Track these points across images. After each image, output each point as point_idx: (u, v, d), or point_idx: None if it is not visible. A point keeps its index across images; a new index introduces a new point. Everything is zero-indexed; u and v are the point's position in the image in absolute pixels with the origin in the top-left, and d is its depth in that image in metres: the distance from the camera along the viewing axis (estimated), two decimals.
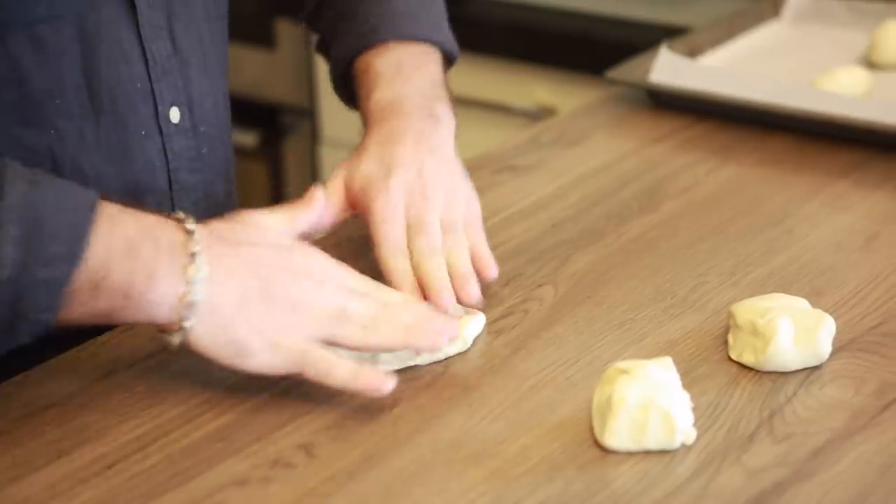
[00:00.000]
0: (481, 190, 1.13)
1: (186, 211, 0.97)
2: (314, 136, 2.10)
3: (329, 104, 2.05)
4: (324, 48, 1.11)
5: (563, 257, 1.01)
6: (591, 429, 0.81)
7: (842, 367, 0.87)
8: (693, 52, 1.37)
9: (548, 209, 1.10)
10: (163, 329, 0.82)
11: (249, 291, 0.82)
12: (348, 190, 0.96)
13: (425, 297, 0.90)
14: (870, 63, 1.36)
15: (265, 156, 2.15)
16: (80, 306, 0.79)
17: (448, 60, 1.08)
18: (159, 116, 0.96)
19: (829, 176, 1.15)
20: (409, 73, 1.02)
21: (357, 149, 0.98)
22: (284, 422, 0.83)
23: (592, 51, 1.72)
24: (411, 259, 0.92)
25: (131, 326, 0.92)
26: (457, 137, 1.01)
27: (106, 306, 0.80)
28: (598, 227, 1.06)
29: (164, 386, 0.86)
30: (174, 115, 0.97)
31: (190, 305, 0.80)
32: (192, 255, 0.81)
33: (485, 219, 1.08)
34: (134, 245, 0.80)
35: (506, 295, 0.96)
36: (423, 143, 0.97)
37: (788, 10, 1.49)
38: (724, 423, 0.81)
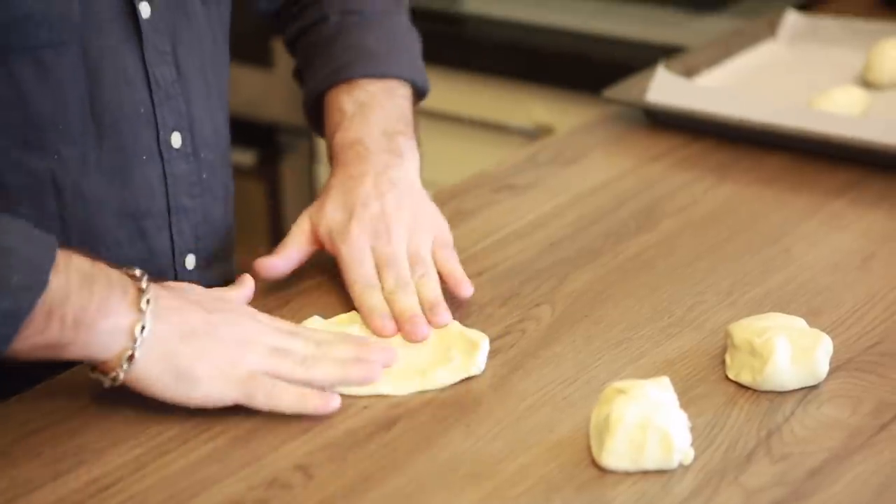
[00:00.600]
0: (479, 209, 1.13)
1: (184, 235, 0.97)
2: (312, 155, 2.10)
3: None
4: (298, 76, 1.14)
5: (561, 276, 1.02)
6: (589, 448, 0.81)
7: (839, 387, 0.86)
8: (690, 72, 1.37)
9: (545, 228, 1.10)
10: (102, 368, 0.83)
11: (195, 326, 0.84)
12: (315, 235, 0.99)
13: (401, 331, 0.93)
14: (866, 82, 1.37)
15: (263, 175, 2.15)
16: (28, 337, 0.80)
17: (419, 94, 1.10)
18: (160, 141, 0.96)
19: (825, 195, 1.15)
20: (371, 110, 1.04)
21: (321, 192, 1.01)
22: (281, 442, 0.83)
23: (590, 70, 1.72)
24: (384, 294, 0.95)
25: None
26: (422, 169, 1.04)
27: (53, 338, 0.80)
28: (596, 246, 1.06)
29: (161, 407, 0.86)
30: (175, 139, 0.97)
31: (140, 335, 0.82)
32: (141, 290, 0.83)
33: (482, 238, 1.08)
34: (88, 278, 0.81)
35: (503, 314, 0.96)
36: (384, 179, 1.00)
37: (784, 30, 1.49)
38: (721, 442, 0.81)
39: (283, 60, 2.09)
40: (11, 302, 0.78)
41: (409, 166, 1.02)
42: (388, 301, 0.94)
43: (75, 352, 0.82)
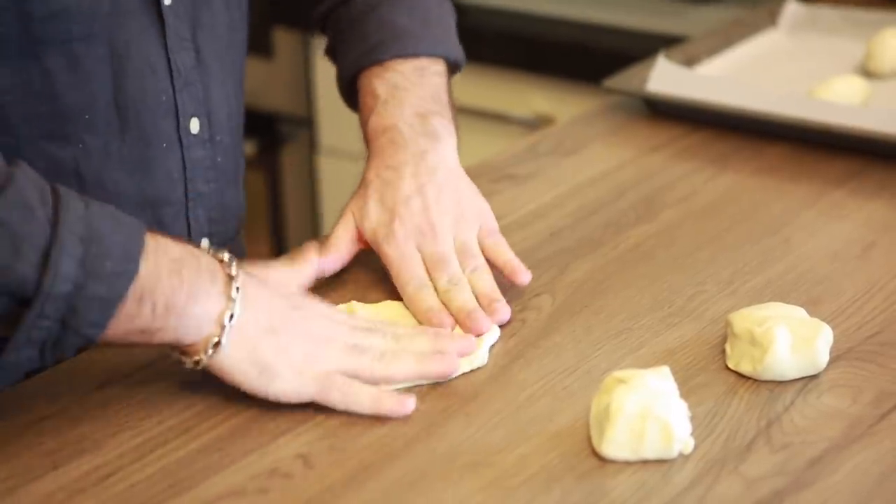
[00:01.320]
0: None
1: (199, 220, 0.97)
2: (312, 145, 2.10)
3: (327, 113, 2.05)
4: (331, 54, 1.12)
5: (561, 266, 1.02)
6: (589, 438, 0.81)
7: (839, 377, 0.86)
8: (690, 61, 1.37)
9: (546, 218, 1.10)
10: (187, 351, 0.82)
11: (280, 319, 0.84)
12: (360, 231, 0.98)
13: (462, 328, 0.92)
14: (866, 72, 1.36)
15: (263, 165, 2.15)
16: (121, 323, 0.80)
17: (453, 68, 1.09)
18: (180, 128, 0.96)
19: (826, 185, 1.15)
20: (405, 93, 1.03)
21: (360, 183, 1.00)
22: (281, 432, 0.83)
23: (590, 60, 1.72)
24: (438, 294, 0.94)
25: None
26: (459, 145, 1.02)
27: (145, 323, 0.80)
28: (596, 236, 1.06)
29: (161, 396, 0.86)
30: (194, 125, 0.97)
31: (228, 323, 0.81)
32: (231, 277, 0.82)
33: None
34: (178, 263, 0.81)
35: None
36: (422, 168, 0.98)
37: (785, 20, 1.49)
38: (721, 432, 0.81)
39: (284, 51, 2.09)
40: (105, 289, 0.78)
41: (446, 148, 1.00)
42: (444, 301, 0.93)
43: (164, 337, 0.81)
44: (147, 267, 0.79)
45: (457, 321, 0.92)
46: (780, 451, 0.80)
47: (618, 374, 0.81)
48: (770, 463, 0.79)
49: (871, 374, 0.87)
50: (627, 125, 1.29)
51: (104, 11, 0.90)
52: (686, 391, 0.83)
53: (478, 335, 0.91)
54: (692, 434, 0.80)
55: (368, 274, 0.99)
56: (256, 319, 0.83)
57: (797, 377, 0.86)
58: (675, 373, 0.82)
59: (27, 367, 0.81)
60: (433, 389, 0.87)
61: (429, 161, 0.99)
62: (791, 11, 1.49)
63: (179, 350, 0.83)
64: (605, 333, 0.92)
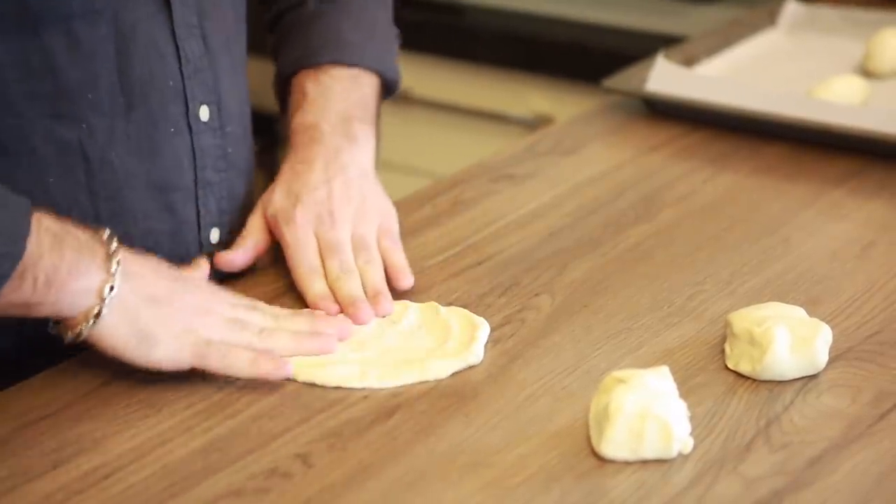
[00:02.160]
0: (478, 199, 1.13)
1: (210, 209, 0.98)
2: None
3: None
4: (274, 54, 1.14)
5: (560, 266, 1.02)
6: (589, 438, 0.81)
7: (838, 376, 0.86)
8: (689, 61, 1.37)
9: (545, 218, 1.10)
10: (66, 324, 0.85)
11: (159, 291, 0.86)
12: (265, 217, 1.00)
13: (346, 315, 0.94)
14: (865, 72, 1.37)
15: (262, 165, 2.14)
16: (2, 297, 0.82)
17: (388, 89, 1.11)
18: (189, 114, 0.97)
19: (825, 185, 1.15)
20: (333, 95, 1.05)
21: (276, 176, 1.02)
22: (281, 432, 0.83)
23: (589, 60, 1.72)
24: (327, 280, 0.96)
25: None
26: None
27: (26, 297, 0.83)
28: (595, 235, 1.06)
29: (161, 396, 0.86)
30: (204, 113, 0.98)
31: (108, 294, 0.84)
32: (110, 252, 0.85)
33: (481, 228, 1.08)
34: (59, 239, 0.83)
35: (503, 304, 0.96)
36: (334, 164, 1.01)
37: (784, 19, 1.49)
38: (721, 431, 0.81)
39: None
40: None
41: (361, 151, 1.03)
42: (332, 287, 0.95)
43: (44, 311, 0.84)
44: (30, 244, 0.81)
45: (341, 308, 0.94)
46: (779, 450, 0.80)
47: (617, 373, 0.81)
48: (769, 463, 0.79)
49: (871, 373, 0.87)
50: (626, 125, 1.29)
51: None
52: (685, 391, 0.83)
53: (358, 324, 0.92)
54: (691, 434, 0.80)
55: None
56: (137, 290, 0.85)
57: (796, 377, 0.86)
58: (674, 373, 0.82)
59: None
60: (433, 389, 0.87)
61: (342, 159, 1.01)
62: (790, 11, 1.49)
63: (60, 324, 0.85)
64: (604, 333, 0.93)
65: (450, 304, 0.95)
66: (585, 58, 1.73)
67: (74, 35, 0.90)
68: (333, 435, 0.82)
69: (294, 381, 0.87)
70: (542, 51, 1.78)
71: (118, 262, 0.85)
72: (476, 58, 1.82)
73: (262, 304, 0.92)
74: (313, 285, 0.95)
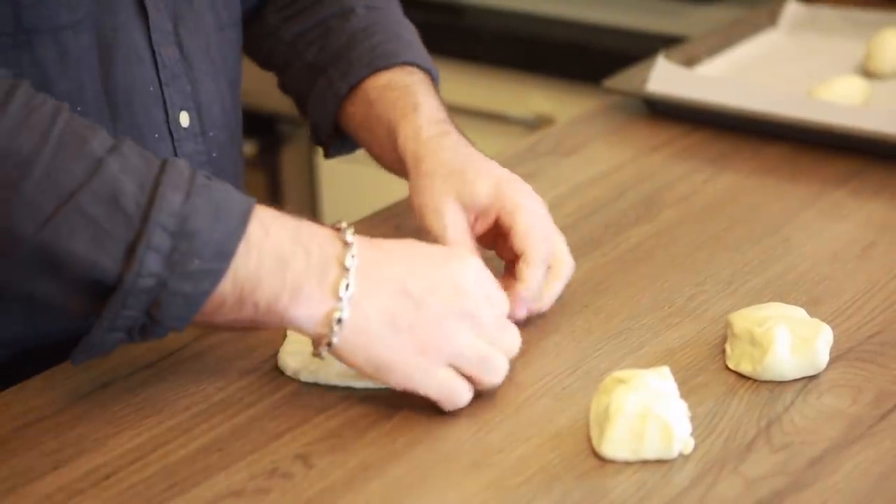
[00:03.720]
0: None
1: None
2: (312, 146, 2.10)
3: None
4: (308, 74, 1.10)
5: None
6: (589, 438, 0.81)
7: (839, 377, 0.86)
8: (690, 62, 1.37)
9: None
10: (312, 339, 0.82)
11: (395, 316, 0.81)
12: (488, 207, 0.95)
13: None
14: (866, 72, 1.36)
15: (263, 165, 2.15)
16: (221, 315, 0.80)
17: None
18: (170, 120, 0.96)
19: (826, 185, 1.15)
20: (434, 94, 1.04)
21: (435, 163, 0.97)
22: (281, 432, 0.83)
23: (590, 60, 1.72)
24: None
25: None
26: None
27: (249, 317, 0.80)
28: (596, 236, 1.06)
29: (161, 396, 0.86)
30: (184, 119, 0.97)
31: (337, 322, 0.80)
32: (346, 269, 0.80)
33: None
34: (284, 259, 0.79)
35: None
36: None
37: (785, 20, 1.49)
38: (721, 432, 0.81)
39: None
40: (190, 286, 0.77)
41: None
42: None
43: (274, 327, 0.81)
44: (248, 266, 0.78)
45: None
46: (780, 451, 0.80)
47: (618, 374, 0.81)
48: (770, 463, 0.79)
49: (871, 374, 0.87)
50: (627, 125, 1.29)
51: None
52: (686, 391, 0.83)
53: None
54: (692, 434, 0.80)
55: None
56: (370, 316, 0.80)
57: (797, 377, 0.86)
58: (675, 373, 0.82)
59: (115, 346, 0.81)
60: None
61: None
62: (791, 11, 1.49)
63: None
64: (604, 333, 0.92)
65: None
66: (586, 58, 1.73)
67: (62, 45, 0.89)
68: (334, 435, 0.82)
69: (295, 381, 0.87)
70: (543, 51, 1.78)
71: (348, 285, 0.79)
72: (476, 58, 1.82)
73: (504, 321, 0.85)
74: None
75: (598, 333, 0.93)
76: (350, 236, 0.81)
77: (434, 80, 1.08)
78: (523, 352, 0.90)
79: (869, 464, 0.78)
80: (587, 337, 0.92)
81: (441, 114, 1.02)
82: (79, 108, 0.91)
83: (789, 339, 0.86)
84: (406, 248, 0.84)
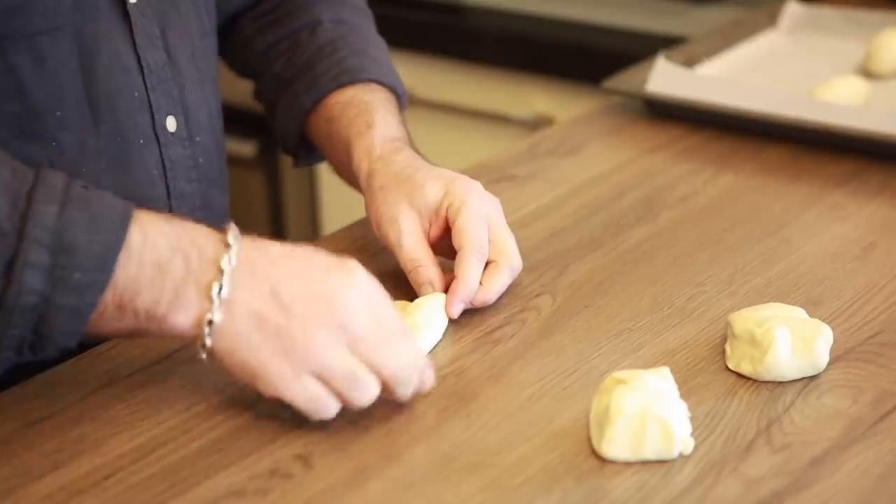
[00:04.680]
0: None
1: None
2: None
3: None
4: (277, 86, 1.11)
5: (561, 267, 1.02)
6: (589, 439, 0.81)
7: (839, 377, 0.86)
8: (690, 62, 1.37)
9: (545, 218, 1.10)
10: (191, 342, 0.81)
11: (263, 320, 0.79)
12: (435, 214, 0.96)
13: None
14: (866, 72, 1.37)
15: (263, 165, 2.15)
16: (103, 325, 0.79)
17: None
18: (156, 126, 0.96)
19: (826, 185, 1.15)
20: (393, 115, 1.04)
21: (387, 177, 0.98)
22: (282, 432, 0.83)
23: (590, 60, 1.72)
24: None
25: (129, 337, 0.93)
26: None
27: (130, 325, 0.80)
28: (596, 236, 1.06)
29: (161, 397, 0.86)
30: (171, 124, 0.97)
31: (208, 324, 0.79)
32: (221, 271, 0.79)
33: None
34: (163, 266, 0.79)
35: (504, 304, 0.96)
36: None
37: (785, 20, 1.49)
38: (721, 432, 0.81)
39: None
40: (74, 300, 0.76)
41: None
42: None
43: (154, 335, 0.80)
44: (128, 274, 0.78)
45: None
46: (780, 451, 0.80)
47: (618, 374, 0.81)
48: (770, 463, 0.79)
49: (872, 374, 0.87)
50: (627, 126, 1.29)
51: (68, 5, 0.89)
52: (686, 391, 0.83)
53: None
54: (692, 434, 0.80)
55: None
56: (241, 320, 0.79)
57: (797, 378, 0.86)
58: (674, 373, 0.82)
59: (8, 365, 0.81)
60: (433, 390, 0.86)
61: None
62: (791, 12, 1.49)
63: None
64: (605, 334, 0.93)
65: None
66: (586, 58, 1.73)
67: (39, 52, 0.89)
68: (334, 436, 0.82)
69: None
70: (543, 51, 1.78)
71: (222, 287, 0.78)
72: (476, 58, 1.82)
73: (384, 337, 0.81)
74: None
75: (598, 334, 0.93)
76: (232, 239, 0.80)
77: (399, 98, 1.09)
78: (523, 352, 0.90)
79: (869, 464, 0.78)
80: (587, 337, 0.92)
81: (397, 132, 1.03)
82: (58, 114, 0.90)
83: (789, 340, 0.86)
84: (293, 255, 0.82)
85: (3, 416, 0.85)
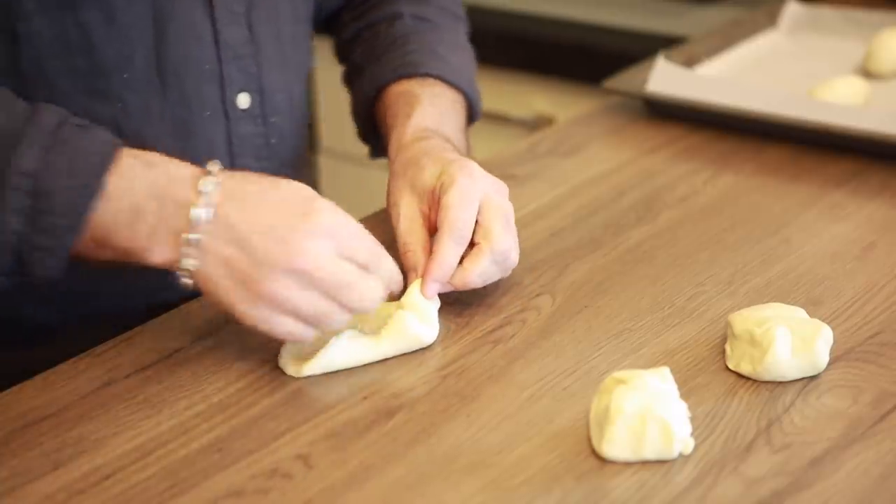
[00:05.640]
0: None
1: None
2: (313, 146, 2.10)
3: (328, 114, 2.05)
4: (354, 66, 1.13)
5: (561, 267, 1.02)
6: (589, 439, 0.81)
7: (839, 377, 0.86)
8: (690, 62, 1.37)
9: (546, 218, 1.10)
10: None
11: (232, 267, 0.83)
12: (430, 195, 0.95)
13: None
14: (866, 72, 1.37)
15: None
16: (87, 256, 0.83)
17: (470, 116, 1.11)
18: (226, 100, 0.97)
19: (826, 185, 1.15)
20: (445, 110, 1.04)
21: (401, 162, 0.98)
22: (281, 432, 0.83)
23: (590, 60, 1.72)
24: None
25: (129, 337, 0.92)
26: None
27: (112, 257, 0.84)
28: (596, 236, 1.06)
29: (161, 396, 0.86)
30: (243, 100, 0.98)
31: (184, 269, 0.83)
32: (192, 220, 0.82)
33: None
34: (138, 211, 0.82)
35: (504, 304, 0.96)
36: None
37: (785, 20, 1.49)
38: (721, 432, 0.81)
39: None
40: (51, 241, 0.81)
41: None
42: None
43: (136, 264, 0.84)
44: (103, 217, 0.82)
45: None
46: (780, 451, 0.80)
47: (618, 374, 0.81)
48: (770, 463, 0.79)
49: (871, 374, 0.87)
50: (627, 126, 1.29)
51: None
52: (686, 391, 0.83)
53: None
54: (692, 434, 0.80)
55: None
56: (210, 264, 0.83)
57: (797, 378, 0.86)
58: (674, 373, 0.82)
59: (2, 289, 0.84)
60: (434, 390, 0.87)
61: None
62: (791, 12, 1.49)
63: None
64: (605, 334, 0.93)
65: (451, 303, 0.95)
66: (586, 58, 1.73)
67: (111, 11, 0.90)
68: (334, 436, 0.82)
69: (295, 381, 0.88)
70: (544, 51, 1.78)
71: (192, 236, 0.82)
72: (478, 58, 1.81)
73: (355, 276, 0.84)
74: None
75: (598, 333, 0.93)
76: (206, 184, 0.82)
77: (468, 98, 1.09)
78: (523, 352, 0.90)
79: (869, 464, 0.78)
80: (587, 337, 0.92)
81: (432, 123, 1.02)
82: (126, 75, 0.92)
83: (789, 340, 0.86)
84: (265, 197, 0.84)
85: (2, 415, 0.85)
